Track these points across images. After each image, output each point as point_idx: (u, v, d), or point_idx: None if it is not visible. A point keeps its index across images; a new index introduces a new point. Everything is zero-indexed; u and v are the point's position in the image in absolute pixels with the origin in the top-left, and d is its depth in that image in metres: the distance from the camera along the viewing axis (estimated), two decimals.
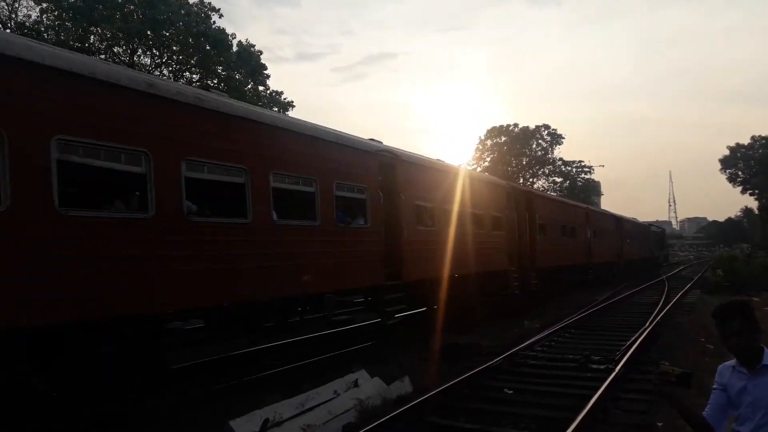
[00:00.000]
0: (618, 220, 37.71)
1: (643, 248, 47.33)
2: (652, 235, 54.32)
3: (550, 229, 23.00)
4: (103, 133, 6.69)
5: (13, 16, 29.24)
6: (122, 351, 7.38)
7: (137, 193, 7.36)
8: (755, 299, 18.81)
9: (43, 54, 6.26)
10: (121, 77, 7.16)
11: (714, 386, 3.18)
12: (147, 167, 7.14)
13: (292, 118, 11.19)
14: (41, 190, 6.04)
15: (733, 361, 3.15)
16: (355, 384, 8.60)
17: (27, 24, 28.98)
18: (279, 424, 7.00)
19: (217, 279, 8.00)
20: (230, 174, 8.43)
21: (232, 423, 6.74)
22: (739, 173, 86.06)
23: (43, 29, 29.17)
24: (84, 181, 6.98)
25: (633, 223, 45.67)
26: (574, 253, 26.69)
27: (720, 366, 3.23)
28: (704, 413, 3.13)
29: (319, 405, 7.71)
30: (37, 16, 29.58)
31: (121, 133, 6.88)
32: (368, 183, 11.48)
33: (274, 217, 9.05)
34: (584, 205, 33.04)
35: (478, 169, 65.58)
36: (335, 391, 8.23)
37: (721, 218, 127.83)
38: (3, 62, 5.84)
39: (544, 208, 22.79)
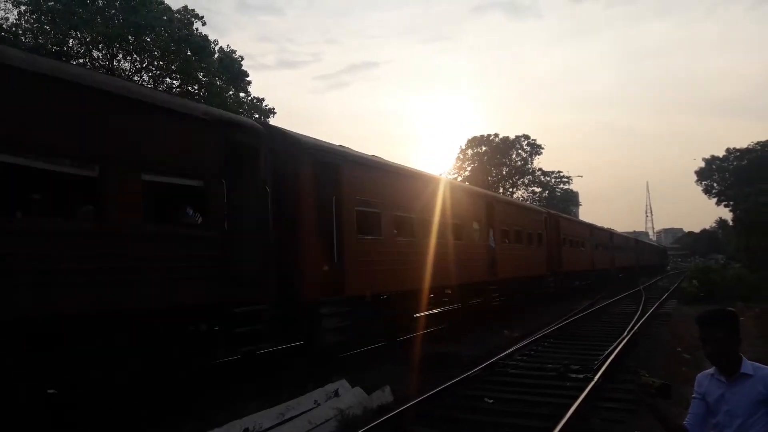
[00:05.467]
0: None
1: (654, 259, 76.55)
2: (662, 251, 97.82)
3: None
4: None
5: None
6: None
7: None
8: (730, 309, 19.07)
9: None
10: None
11: (693, 395, 3.22)
12: None
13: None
14: None
15: (711, 370, 3.20)
16: (336, 394, 8.56)
17: (4, 27, 28.56)
18: None
19: None
20: None
21: None
22: (715, 185, 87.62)
23: (20, 33, 28.77)
24: None
25: (639, 241, 66.53)
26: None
27: (698, 375, 3.27)
28: (685, 423, 3.18)
29: (299, 415, 7.65)
30: (15, 19, 29.20)
31: None
32: None
33: None
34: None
35: (459, 179, 65.94)
36: (315, 401, 8.18)
37: (697, 229, 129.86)
38: None
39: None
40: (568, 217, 35.34)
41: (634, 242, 61.62)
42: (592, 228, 36.28)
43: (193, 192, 8.13)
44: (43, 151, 6.30)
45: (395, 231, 12.98)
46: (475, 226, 17.73)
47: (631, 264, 52.69)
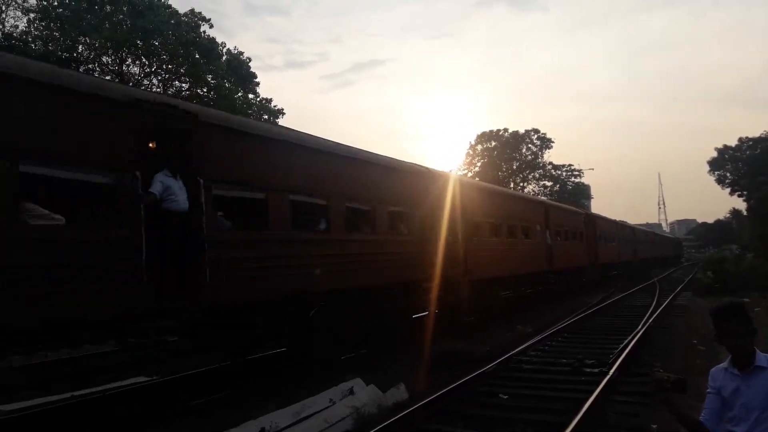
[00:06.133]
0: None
1: (670, 251, 77.26)
2: (677, 242, 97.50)
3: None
4: None
5: (0, 26, 29.10)
6: None
7: None
8: (746, 300, 18.98)
9: None
10: None
11: (708, 390, 3.21)
12: None
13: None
14: None
15: (724, 364, 3.19)
16: (351, 392, 8.59)
17: (14, 34, 28.84)
18: None
19: None
20: None
21: None
22: (728, 175, 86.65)
23: (30, 40, 29.05)
24: None
25: (657, 235, 73.22)
26: None
27: (712, 369, 3.26)
28: (701, 417, 3.16)
29: (315, 414, 7.69)
30: (25, 27, 29.49)
31: None
32: None
33: None
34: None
35: (469, 175, 65.78)
36: (331, 400, 8.22)
37: (711, 220, 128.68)
38: None
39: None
40: (602, 216, 37.56)
41: (653, 235, 65.82)
42: (618, 224, 40.48)
43: (403, 215, 13.14)
44: (356, 200, 11.22)
45: (493, 234, 17.81)
46: (537, 227, 22.22)
47: (650, 256, 56.14)
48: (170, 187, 7.41)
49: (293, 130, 10.37)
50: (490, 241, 17.39)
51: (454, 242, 14.91)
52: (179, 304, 7.46)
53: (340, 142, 11.60)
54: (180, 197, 7.49)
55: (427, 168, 14.79)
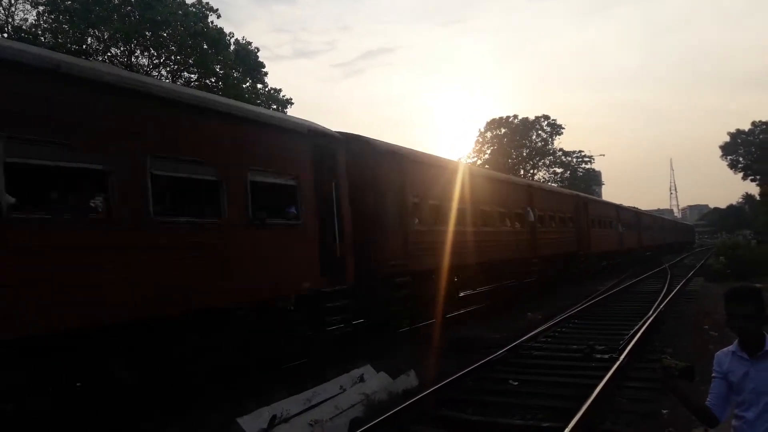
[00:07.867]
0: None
1: (685, 236, 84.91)
2: (691, 228, 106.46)
3: None
4: None
5: (10, 20, 29.26)
6: None
7: None
8: (758, 285, 18.76)
9: None
10: None
11: (713, 375, 3.17)
12: None
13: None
14: None
15: (731, 347, 3.15)
16: (361, 379, 8.65)
17: (24, 27, 28.98)
18: (286, 420, 7.05)
19: None
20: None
21: (239, 420, 6.79)
22: (740, 159, 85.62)
23: (40, 32, 29.17)
24: None
25: (677, 222, 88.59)
26: None
27: (717, 353, 3.22)
28: (707, 402, 3.13)
29: (325, 400, 7.76)
30: (34, 20, 29.60)
31: None
32: None
33: None
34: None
35: (478, 162, 65.53)
36: (341, 387, 8.28)
37: (723, 205, 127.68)
38: None
39: None
40: (644, 211, 52.86)
41: (673, 223, 78.01)
42: (653, 217, 58.78)
43: (569, 218, 25.46)
44: (555, 212, 23.78)
45: (597, 226, 29.80)
46: (614, 221, 34.42)
47: (672, 241, 67.60)
48: None
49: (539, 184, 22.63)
50: (596, 230, 29.26)
51: (585, 230, 26.51)
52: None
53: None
54: None
55: (576, 193, 28.87)
